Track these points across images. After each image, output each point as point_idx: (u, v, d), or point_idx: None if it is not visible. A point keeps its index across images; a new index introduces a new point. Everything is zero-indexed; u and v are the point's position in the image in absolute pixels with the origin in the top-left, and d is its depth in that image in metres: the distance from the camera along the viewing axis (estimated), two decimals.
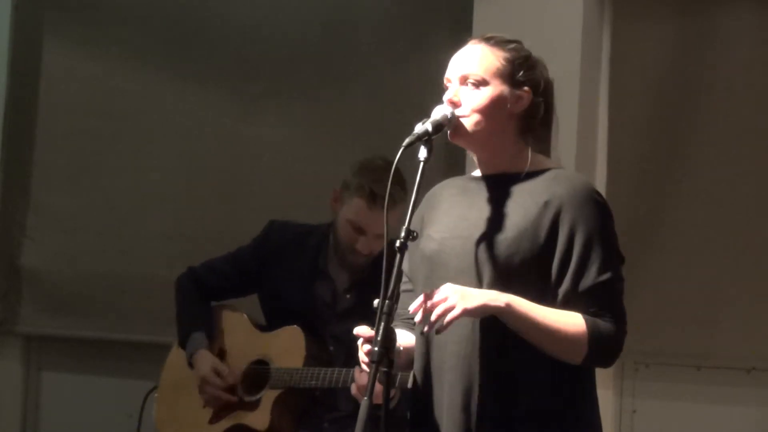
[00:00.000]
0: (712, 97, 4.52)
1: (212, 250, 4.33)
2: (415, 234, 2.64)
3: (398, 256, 2.62)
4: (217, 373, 4.02)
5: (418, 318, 2.64)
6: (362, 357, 2.67)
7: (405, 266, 2.84)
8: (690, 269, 4.52)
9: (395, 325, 2.83)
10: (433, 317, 2.60)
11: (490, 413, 2.69)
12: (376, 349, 2.56)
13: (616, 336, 2.70)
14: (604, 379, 4.65)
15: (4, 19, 5.74)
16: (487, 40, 2.82)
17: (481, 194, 2.81)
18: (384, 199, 3.75)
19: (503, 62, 2.78)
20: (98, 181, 5.62)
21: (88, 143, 5.65)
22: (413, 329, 2.85)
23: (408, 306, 2.83)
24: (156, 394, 4.29)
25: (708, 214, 4.51)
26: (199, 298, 4.18)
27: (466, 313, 2.60)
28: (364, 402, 2.55)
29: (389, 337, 2.58)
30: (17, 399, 5.78)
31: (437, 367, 2.76)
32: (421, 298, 2.64)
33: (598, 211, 2.73)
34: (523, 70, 2.80)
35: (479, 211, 2.78)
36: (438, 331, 2.62)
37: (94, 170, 5.63)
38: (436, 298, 2.62)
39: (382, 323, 2.57)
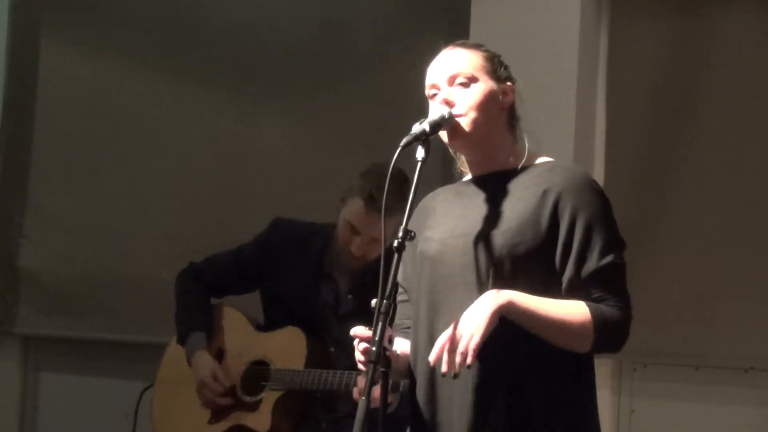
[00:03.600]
0: (709, 96, 4.52)
1: (210, 250, 4.32)
2: (412, 234, 2.63)
3: (396, 256, 2.61)
4: (215, 378, 4.02)
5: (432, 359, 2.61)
6: (359, 357, 2.67)
7: (399, 276, 2.85)
8: (687, 269, 4.52)
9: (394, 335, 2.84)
10: (458, 360, 2.56)
11: (505, 412, 2.67)
12: (373, 348, 2.56)
13: (622, 319, 2.69)
14: (602, 379, 4.65)
15: (2, 21, 5.75)
16: (462, 44, 2.85)
17: (478, 194, 2.81)
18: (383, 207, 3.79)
19: (485, 61, 2.82)
20: (96, 182, 5.62)
21: (86, 144, 5.65)
22: (409, 336, 2.84)
23: (404, 316, 2.87)
24: (153, 392, 4.28)
25: (705, 213, 4.51)
26: (200, 294, 4.17)
27: (486, 335, 2.57)
28: (361, 402, 2.54)
29: (386, 337, 2.58)
30: (15, 400, 5.77)
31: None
32: (440, 343, 2.60)
33: (597, 197, 2.74)
34: (502, 67, 2.84)
35: (478, 209, 2.78)
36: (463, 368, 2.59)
37: (92, 171, 5.64)
38: (443, 339, 2.59)
39: (380, 323, 2.57)
